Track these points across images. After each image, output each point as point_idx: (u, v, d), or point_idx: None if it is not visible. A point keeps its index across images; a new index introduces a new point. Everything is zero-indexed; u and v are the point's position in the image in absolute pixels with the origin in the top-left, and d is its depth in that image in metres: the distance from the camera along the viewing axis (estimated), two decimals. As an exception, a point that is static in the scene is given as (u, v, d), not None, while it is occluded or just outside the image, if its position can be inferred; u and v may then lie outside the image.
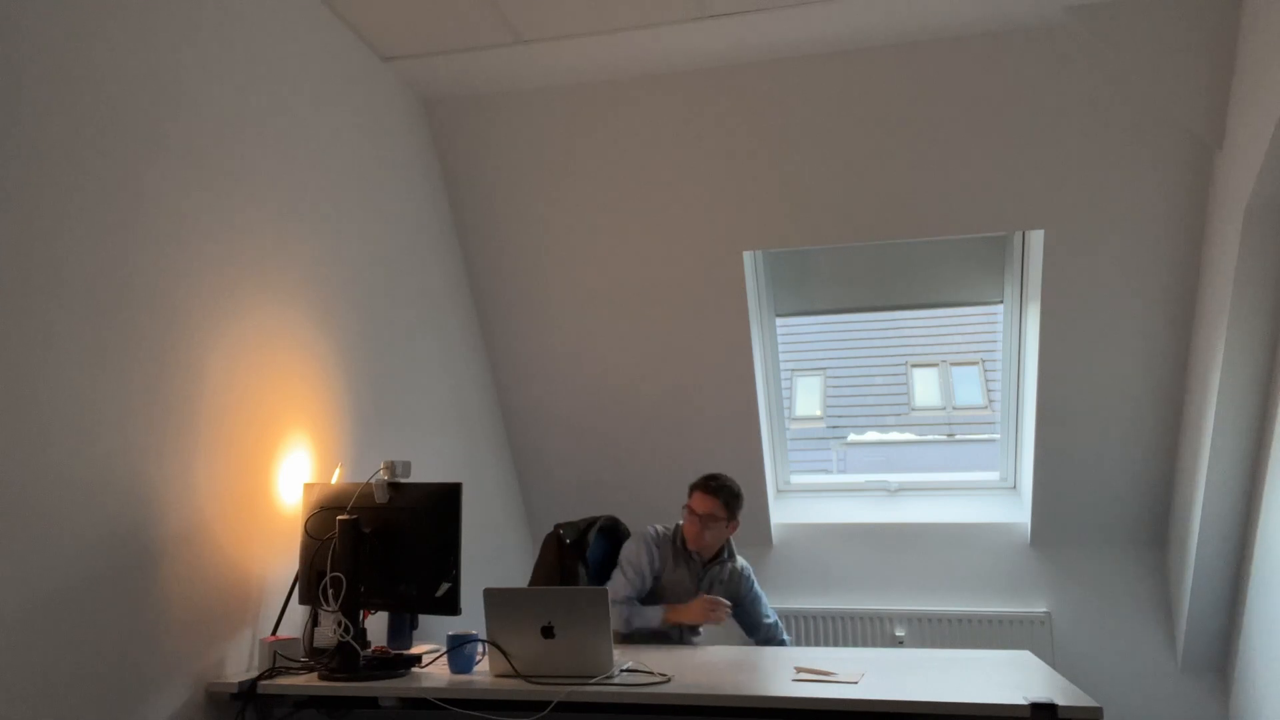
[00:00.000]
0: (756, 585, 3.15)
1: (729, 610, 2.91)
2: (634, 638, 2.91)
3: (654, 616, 2.89)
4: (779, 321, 3.98)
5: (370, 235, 3.05)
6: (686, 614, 2.89)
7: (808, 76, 3.17)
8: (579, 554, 3.12)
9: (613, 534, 3.27)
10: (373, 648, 2.32)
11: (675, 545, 3.03)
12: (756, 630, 3.13)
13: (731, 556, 3.10)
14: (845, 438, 7.74)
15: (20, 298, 1.75)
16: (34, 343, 1.77)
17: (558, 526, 3.17)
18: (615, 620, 2.83)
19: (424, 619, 3.12)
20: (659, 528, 3.07)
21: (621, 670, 2.22)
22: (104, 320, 1.94)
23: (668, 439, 3.92)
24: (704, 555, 3.03)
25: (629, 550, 3.01)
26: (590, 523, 3.19)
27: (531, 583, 3.16)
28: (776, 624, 3.14)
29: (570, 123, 3.41)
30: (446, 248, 3.63)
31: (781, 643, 3.13)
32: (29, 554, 1.74)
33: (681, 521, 3.06)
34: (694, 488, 3.02)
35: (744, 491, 4.01)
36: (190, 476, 2.16)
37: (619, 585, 2.94)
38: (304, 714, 2.33)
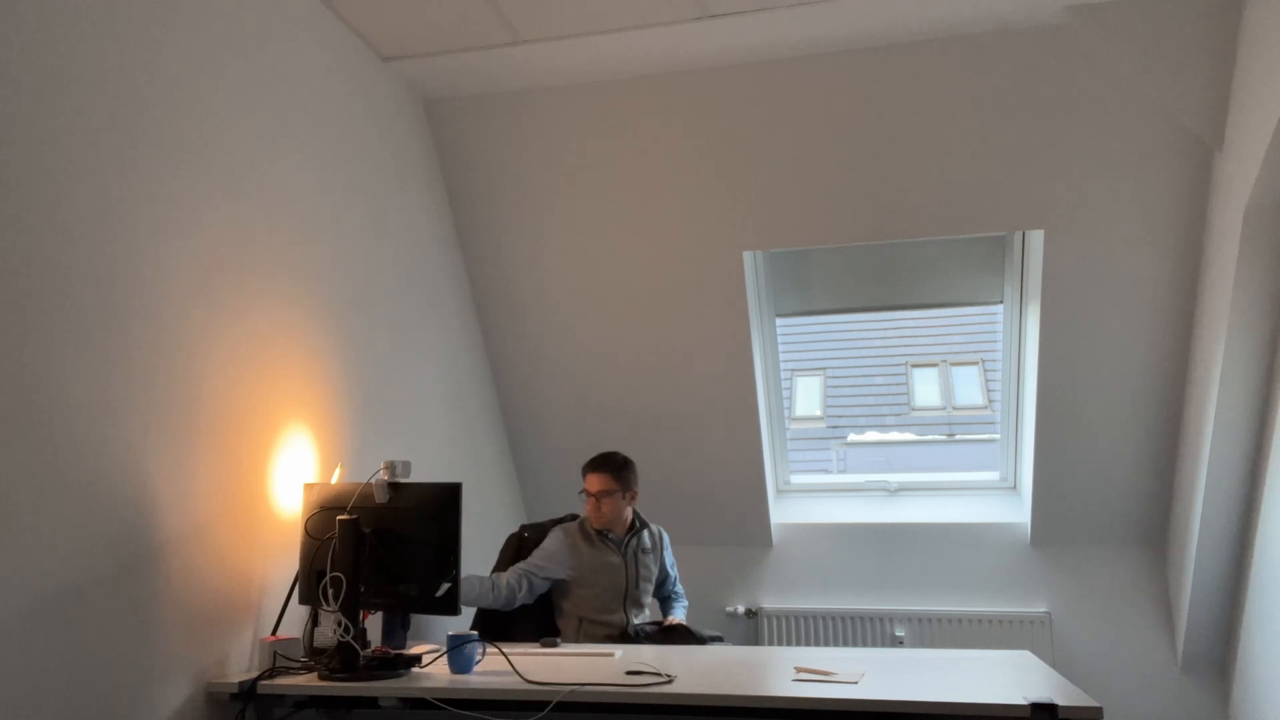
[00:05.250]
0: (670, 553, 3.29)
1: None
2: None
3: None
4: (779, 321, 3.99)
5: (370, 235, 3.05)
6: None
7: (808, 76, 3.17)
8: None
9: None
10: (373, 648, 2.32)
11: (585, 532, 3.08)
12: (660, 588, 3.26)
13: (644, 525, 3.19)
14: (845, 438, 7.74)
15: (20, 298, 1.75)
16: (34, 343, 1.77)
17: (522, 528, 3.22)
18: (469, 592, 2.85)
19: (422, 619, 3.13)
20: (566, 526, 3.12)
21: (624, 671, 2.22)
22: (103, 320, 1.94)
23: (667, 439, 3.92)
24: (617, 531, 3.09)
25: (550, 540, 3.05)
26: (554, 521, 3.22)
27: None
28: (679, 594, 3.31)
29: (570, 123, 3.41)
30: (446, 247, 3.63)
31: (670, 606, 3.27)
32: (29, 554, 1.74)
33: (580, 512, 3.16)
34: (584, 471, 3.09)
35: (743, 491, 4.03)
36: (190, 476, 2.16)
37: (517, 566, 2.99)
38: (304, 714, 2.33)
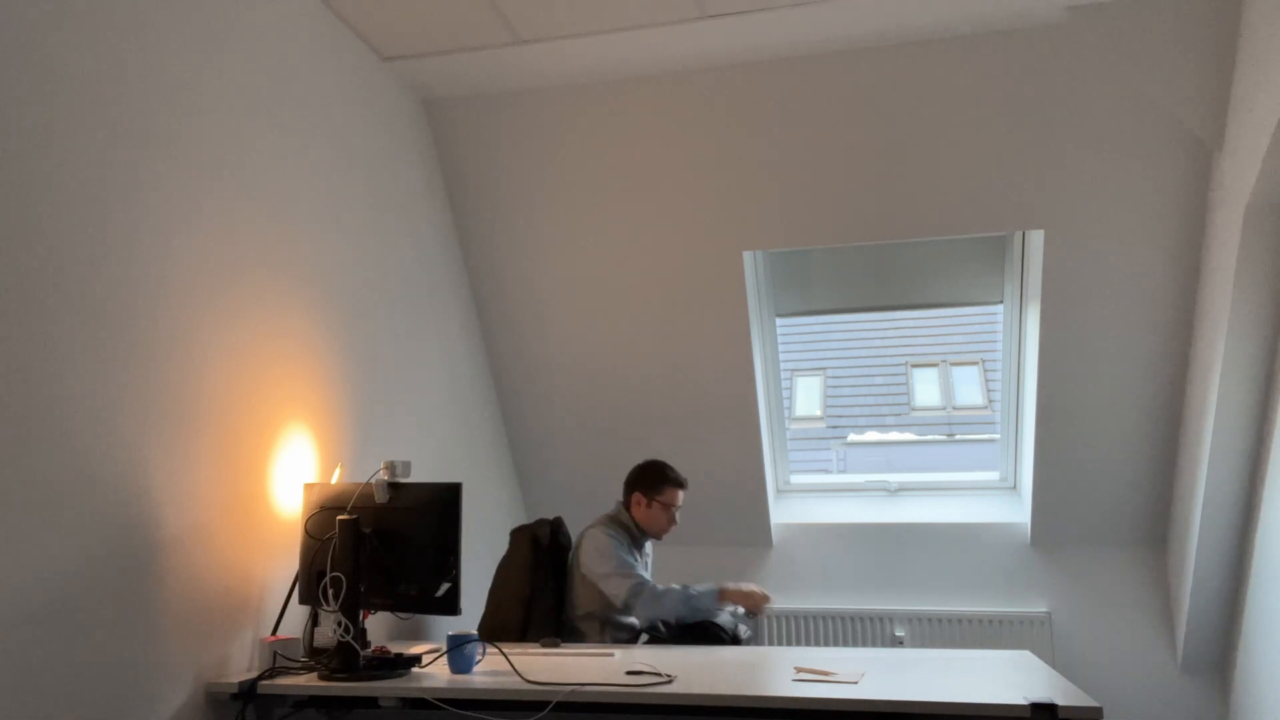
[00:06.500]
0: None
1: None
2: (677, 629, 2.97)
3: (709, 595, 2.94)
4: (779, 321, 3.99)
5: (370, 235, 3.05)
6: (740, 595, 2.97)
7: (808, 76, 3.17)
8: (559, 558, 3.12)
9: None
10: (373, 648, 2.32)
11: (633, 537, 3.12)
12: None
13: None
14: (845, 438, 7.74)
15: (19, 297, 1.75)
16: (33, 342, 1.77)
17: (528, 530, 3.16)
18: (673, 604, 2.89)
19: (421, 619, 3.13)
20: (612, 530, 3.07)
21: (624, 671, 2.22)
22: (103, 320, 1.94)
23: (668, 439, 3.92)
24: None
25: (613, 542, 3.01)
26: (554, 525, 3.20)
27: (496, 583, 3.13)
28: None
29: (570, 123, 3.41)
30: (446, 247, 3.64)
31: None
32: (29, 554, 1.74)
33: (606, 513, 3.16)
34: (674, 484, 3.14)
35: (743, 491, 4.05)
36: (190, 476, 2.16)
37: (638, 573, 2.95)
38: (304, 714, 2.34)
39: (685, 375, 3.80)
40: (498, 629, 2.99)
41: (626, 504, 3.17)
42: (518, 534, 3.18)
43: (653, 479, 3.13)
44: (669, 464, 3.19)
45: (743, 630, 3.05)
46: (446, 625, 3.16)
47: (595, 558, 2.97)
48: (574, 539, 3.17)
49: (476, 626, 3.10)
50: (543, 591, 3.04)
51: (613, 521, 3.11)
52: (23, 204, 1.77)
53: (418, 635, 3.10)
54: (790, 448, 4.20)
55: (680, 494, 3.15)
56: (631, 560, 3.00)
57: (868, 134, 3.23)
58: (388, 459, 2.43)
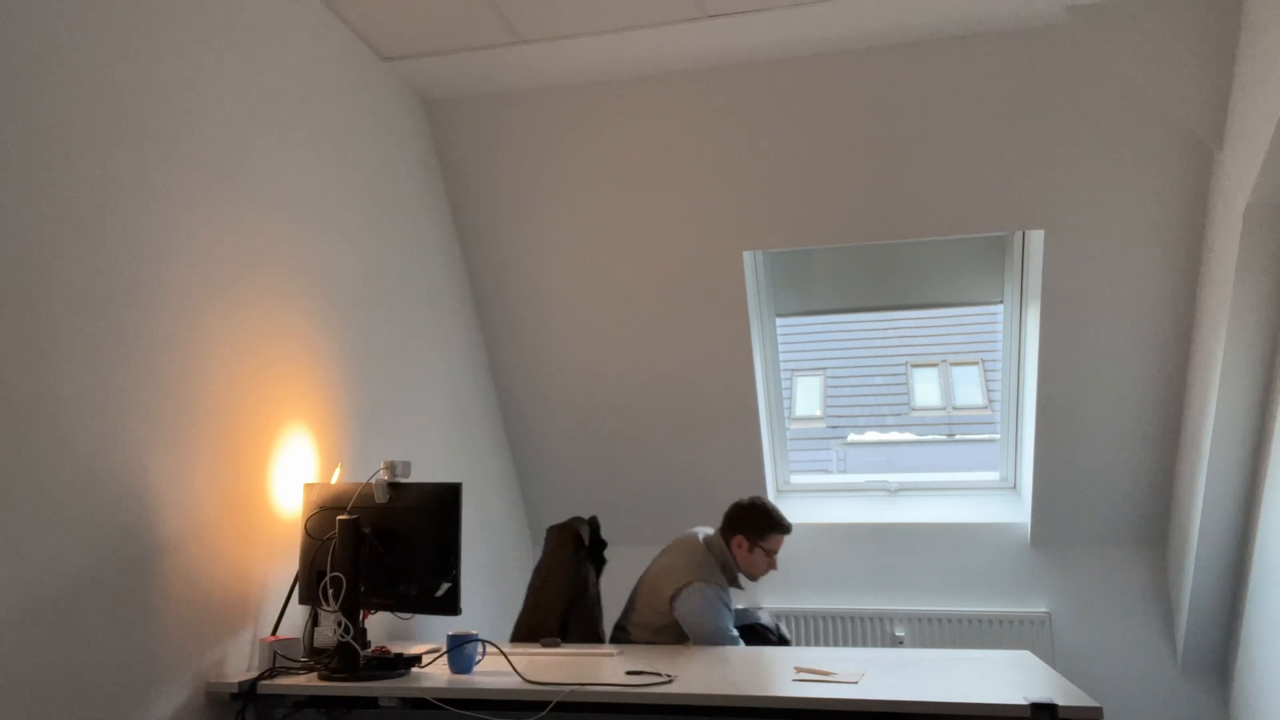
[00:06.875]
0: None
1: None
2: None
3: None
4: (779, 321, 3.99)
5: (370, 235, 3.05)
6: None
7: (808, 76, 3.17)
8: (595, 557, 3.09)
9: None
10: (373, 648, 2.32)
11: (729, 576, 2.98)
12: None
13: None
14: (845, 438, 7.74)
15: (19, 297, 1.75)
16: (33, 342, 1.77)
17: (568, 525, 3.05)
18: None
19: (420, 619, 3.13)
20: (713, 578, 2.90)
21: (624, 671, 2.22)
22: (103, 319, 1.94)
23: (668, 439, 3.93)
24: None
25: (722, 607, 2.84)
26: (592, 524, 3.16)
27: (537, 580, 3.03)
28: None
29: (570, 123, 3.41)
30: (446, 247, 3.64)
31: None
32: (28, 554, 1.74)
33: (702, 543, 3.01)
34: (781, 531, 2.98)
35: (743, 491, 4.06)
36: (190, 476, 2.16)
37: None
38: (304, 714, 2.34)
39: (685, 375, 3.80)
40: (537, 626, 2.90)
41: (726, 541, 2.99)
42: (559, 532, 3.06)
43: (758, 524, 2.96)
44: (774, 507, 3.01)
45: (784, 630, 3.03)
46: (446, 625, 3.17)
47: (704, 622, 2.80)
48: (673, 586, 2.86)
49: (513, 624, 3.03)
50: (585, 589, 2.96)
51: (716, 561, 2.93)
52: (23, 204, 1.77)
53: (418, 635, 3.11)
54: (790, 448, 4.19)
55: (784, 540, 3.00)
56: (733, 630, 2.84)
57: (868, 134, 3.23)
58: (388, 459, 2.44)
